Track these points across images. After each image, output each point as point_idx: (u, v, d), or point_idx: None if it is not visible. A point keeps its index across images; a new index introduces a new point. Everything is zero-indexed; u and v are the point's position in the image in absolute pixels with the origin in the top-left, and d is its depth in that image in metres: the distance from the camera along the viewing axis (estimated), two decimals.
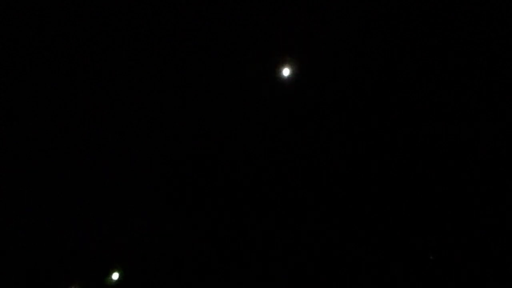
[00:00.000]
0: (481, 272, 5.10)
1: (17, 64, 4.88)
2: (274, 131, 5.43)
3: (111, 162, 5.42)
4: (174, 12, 4.82)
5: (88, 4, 4.67)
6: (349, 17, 4.89)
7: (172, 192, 5.62)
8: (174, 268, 5.73)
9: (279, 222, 5.64)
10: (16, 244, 5.42)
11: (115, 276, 5.60)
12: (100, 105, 5.19)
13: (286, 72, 5.05)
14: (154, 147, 5.45)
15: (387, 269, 5.41)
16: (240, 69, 5.12)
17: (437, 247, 5.31)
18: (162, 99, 5.26)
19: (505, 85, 4.94)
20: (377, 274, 5.42)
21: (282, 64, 5.02)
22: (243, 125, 5.38)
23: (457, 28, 4.85)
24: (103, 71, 5.03)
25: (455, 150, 5.22)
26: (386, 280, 5.39)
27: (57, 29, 4.76)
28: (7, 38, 4.74)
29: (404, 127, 5.28)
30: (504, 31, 4.75)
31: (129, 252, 5.71)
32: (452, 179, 5.26)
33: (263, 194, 5.58)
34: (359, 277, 5.47)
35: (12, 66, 4.88)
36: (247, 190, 5.61)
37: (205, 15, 4.83)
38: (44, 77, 4.98)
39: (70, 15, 4.71)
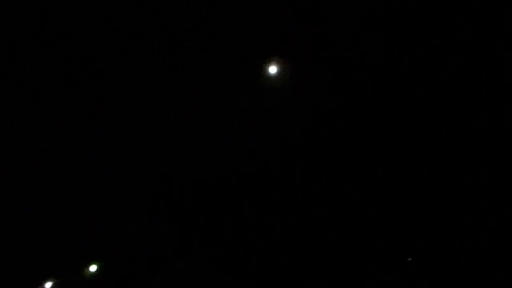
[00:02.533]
0: (483, 274, 5.10)
1: (17, 64, 4.88)
2: (274, 132, 5.43)
3: (111, 162, 5.42)
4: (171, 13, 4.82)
5: (88, 4, 4.67)
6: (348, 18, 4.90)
7: (171, 194, 5.62)
8: (173, 269, 5.72)
9: (279, 224, 5.63)
10: (15, 244, 5.42)
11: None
12: (100, 105, 5.19)
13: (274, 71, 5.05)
14: (154, 147, 5.45)
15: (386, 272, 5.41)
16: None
17: (437, 248, 5.31)
18: (162, 99, 5.26)
19: (505, 85, 4.94)
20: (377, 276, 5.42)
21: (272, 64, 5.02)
22: (244, 126, 5.38)
23: (457, 28, 4.85)
24: (103, 71, 5.03)
25: (455, 150, 5.22)
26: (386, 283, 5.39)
27: (57, 29, 4.76)
28: (7, 38, 4.74)
29: (404, 128, 5.29)
30: (504, 31, 4.75)
31: (128, 253, 5.70)
32: (452, 180, 5.26)
33: (263, 194, 5.58)
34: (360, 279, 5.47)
35: (12, 66, 4.88)
36: (247, 191, 5.61)
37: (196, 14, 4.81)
38: (44, 77, 4.98)
39: (70, 15, 4.72)
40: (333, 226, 5.56)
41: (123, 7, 4.70)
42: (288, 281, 5.56)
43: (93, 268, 5.69)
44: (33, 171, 5.28)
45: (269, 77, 5.09)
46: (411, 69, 5.06)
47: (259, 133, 5.39)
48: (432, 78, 5.05)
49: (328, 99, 5.25)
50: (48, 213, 5.46)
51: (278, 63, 4.99)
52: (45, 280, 5.67)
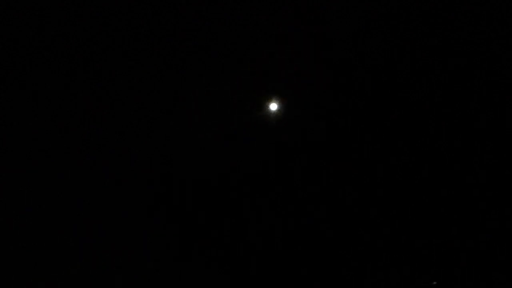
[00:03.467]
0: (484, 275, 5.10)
1: (17, 64, 4.88)
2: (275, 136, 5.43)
3: (111, 162, 5.42)
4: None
5: (88, 4, 4.67)
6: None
7: (170, 196, 5.61)
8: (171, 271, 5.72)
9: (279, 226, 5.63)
10: (15, 244, 5.41)
11: None
12: (100, 105, 5.19)
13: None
14: (154, 147, 5.45)
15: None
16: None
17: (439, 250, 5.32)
18: (163, 99, 5.26)
19: (505, 85, 4.94)
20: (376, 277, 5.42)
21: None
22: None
23: (457, 28, 4.85)
24: (103, 71, 5.03)
25: (455, 150, 5.22)
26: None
27: (57, 29, 4.76)
28: (7, 38, 4.74)
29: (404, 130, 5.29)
30: (504, 31, 4.75)
31: (128, 255, 5.70)
32: (452, 180, 5.26)
33: (263, 194, 5.58)
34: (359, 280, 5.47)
35: (12, 66, 4.88)
36: (246, 193, 5.61)
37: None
38: (44, 77, 4.98)
39: (70, 15, 4.72)
40: (333, 226, 5.55)
41: (123, 7, 4.71)
42: (288, 281, 5.56)
43: None
44: (32, 171, 5.28)
45: (269, 78, 5.10)
46: (411, 69, 5.06)
47: (259, 132, 5.39)
48: (432, 78, 5.05)
49: (328, 99, 5.25)
50: (48, 213, 5.45)
51: (278, 62, 5.00)
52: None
